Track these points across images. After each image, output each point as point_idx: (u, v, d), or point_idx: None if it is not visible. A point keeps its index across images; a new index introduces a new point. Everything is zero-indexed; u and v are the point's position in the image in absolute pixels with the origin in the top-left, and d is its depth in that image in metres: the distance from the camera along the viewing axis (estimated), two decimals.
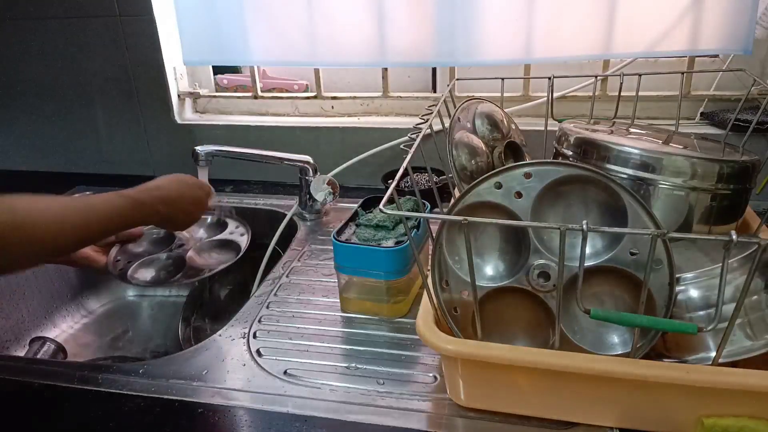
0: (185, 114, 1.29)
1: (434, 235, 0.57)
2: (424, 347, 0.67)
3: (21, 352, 0.94)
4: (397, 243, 0.72)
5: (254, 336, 0.72)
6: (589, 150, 0.66)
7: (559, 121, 0.79)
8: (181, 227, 0.84)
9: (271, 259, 0.96)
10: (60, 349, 0.92)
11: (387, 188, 0.52)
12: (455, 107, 0.79)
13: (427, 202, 0.81)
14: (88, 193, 1.23)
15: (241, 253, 0.92)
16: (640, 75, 0.84)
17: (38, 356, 0.89)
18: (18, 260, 0.60)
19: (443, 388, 0.61)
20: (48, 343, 0.92)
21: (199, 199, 0.82)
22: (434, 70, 1.30)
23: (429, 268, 0.58)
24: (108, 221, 0.68)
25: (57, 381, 0.65)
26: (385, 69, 1.18)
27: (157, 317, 1.12)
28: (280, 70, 1.48)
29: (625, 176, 0.62)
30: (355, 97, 1.24)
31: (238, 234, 0.97)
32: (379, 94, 1.21)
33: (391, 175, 1.09)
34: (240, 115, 1.30)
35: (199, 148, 0.98)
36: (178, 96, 1.26)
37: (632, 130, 0.77)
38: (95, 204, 0.67)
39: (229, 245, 0.95)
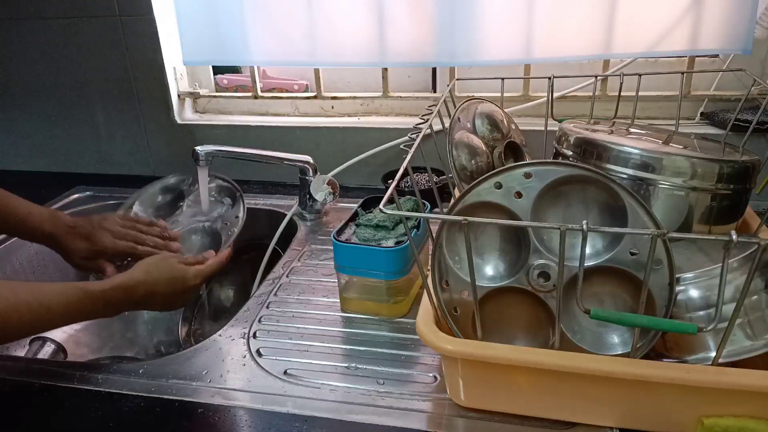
0: (185, 114, 1.29)
1: (434, 235, 0.57)
2: (424, 347, 0.67)
3: (21, 352, 0.94)
4: (397, 243, 0.72)
5: (254, 336, 0.72)
6: (589, 150, 0.66)
7: (559, 121, 0.79)
8: (164, 310, 0.78)
9: (271, 259, 0.96)
10: (60, 349, 0.92)
11: (387, 188, 0.52)
12: (455, 107, 0.79)
13: (427, 202, 0.81)
14: (88, 193, 1.23)
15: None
16: (640, 75, 0.84)
17: (38, 356, 0.89)
18: None
19: (443, 388, 0.61)
20: (48, 343, 0.92)
21: (175, 294, 0.76)
22: (434, 70, 1.30)
23: (429, 268, 0.58)
24: (61, 317, 0.63)
25: (57, 381, 0.65)
26: (385, 69, 1.18)
27: (157, 317, 1.12)
28: (280, 70, 1.48)
29: (625, 176, 0.62)
30: (355, 97, 1.24)
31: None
32: (379, 94, 1.21)
33: (391, 175, 1.09)
34: (240, 115, 1.30)
35: (199, 148, 0.98)
36: (178, 96, 1.27)
37: (632, 130, 0.77)
38: (49, 298, 0.62)
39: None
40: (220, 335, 0.73)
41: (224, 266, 0.83)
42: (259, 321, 0.75)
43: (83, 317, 0.66)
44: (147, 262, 0.75)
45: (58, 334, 1.01)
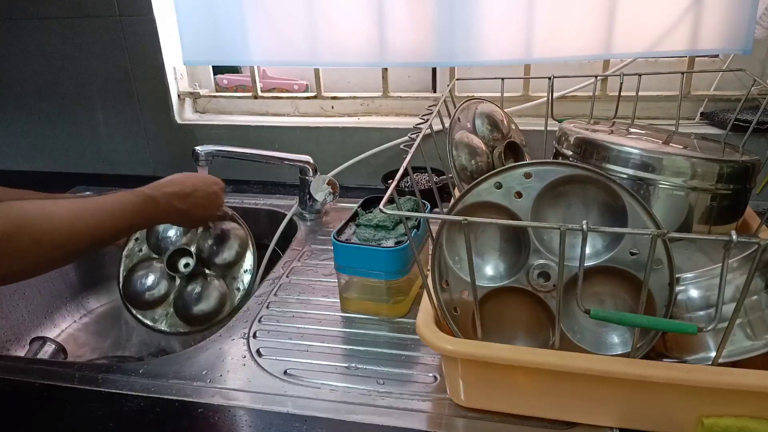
0: (185, 114, 1.29)
1: (434, 235, 0.57)
2: (424, 347, 0.67)
3: (21, 352, 0.94)
4: (397, 243, 0.72)
5: (254, 336, 0.72)
6: (589, 150, 0.66)
7: (559, 121, 0.79)
8: (197, 223, 0.83)
9: (270, 259, 0.96)
10: (60, 349, 0.92)
11: (387, 188, 0.52)
12: (455, 107, 0.79)
13: (427, 202, 0.81)
14: (88, 193, 1.23)
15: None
16: (640, 75, 0.84)
17: (38, 356, 0.89)
18: (30, 266, 0.58)
19: (443, 388, 0.61)
20: (48, 343, 0.92)
21: (214, 194, 0.82)
22: (434, 70, 1.30)
23: (429, 268, 0.58)
24: (121, 220, 0.66)
25: (57, 381, 0.65)
26: (385, 69, 1.18)
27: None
28: (280, 70, 1.48)
29: (625, 176, 0.62)
30: (355, 97, 1.24)
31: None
32: (379, 94, 1.21)
33: (391, 175, 1.09)
34: (240, 115, 1.30)
35: (199, 148, 0.98)
36: (178, 96, 1.27)
37: (632, 130, 0.77)
38: (107, 204, 0.65)
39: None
40: (220, 335, 0.73)
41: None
42: (259, 321, 0.75)
43: (140, 218, 0.70)
44: (180, 173, 0.81)
45: (58, 334, 1.01)
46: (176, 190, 0.76)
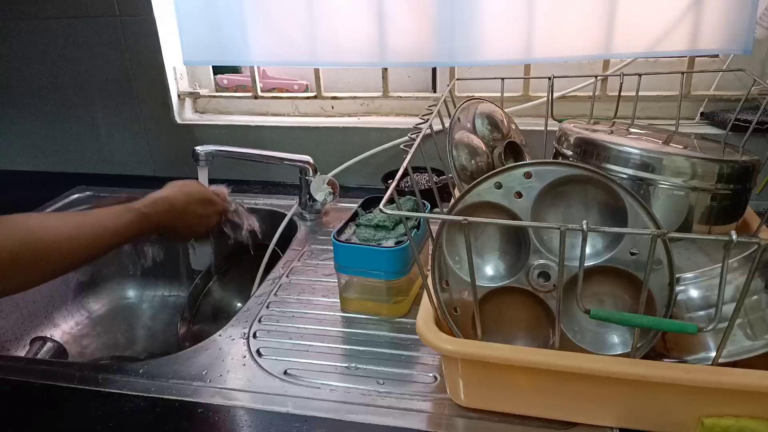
0: (185, 114, 1.29)
1: (434, 235, 0.57)
2: (424, 347, 0.67)
3: (21, 352, 0.94)
4: (397, 243, 0.72)
5: (254, 336, 0.72)
6: (589, 150, 0.66)
7: (559, 121, 0.79)
8: (183, 239, 0.84)
9: (270, 259, 0.96)
10: (61, 349, 0.92)
11: (387, 188, 0.52)
12: (455, 107, 0.79)
13: (427, 202, 0.81)
14: (88, 193, 1.23)
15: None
16: (640, 75, 0.84)
17: (38, 356, 0.89)
18: (31, 279, 0.60)
19: (443, 388, 0.61)
20: (48, 342, 0.92)
21: (204, 215, 0.83)
22: (434, 70, 1.30)
23: (429, 268, 0.58)
24: (118, 237, 0.69)
25: (57, 381, 0.65)
26: (385, 69, 1.18)
27: (157, 317, 1.12)
28: (280, 70, 1.48)
29: (625, 176, 0.62)
30: (355, 97, 1.24)
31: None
32: (379, 94, 1.21)
33: (391, 175, 1.09)
34: (240, 115, 1.30)
35: (199, 148, 0.98)
36: (178, 96, 1.27)
37: (632, 130, 0.77)
38: (105, 220, 0.68)
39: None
40: (220, 335, 0.73)
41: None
42: (259, 321, 0.75)
43: (133, 234, 0.71)
44: (176, 182, 0.82)
45: (58, 334, 1.01)
46: (167, 208, 0.77)
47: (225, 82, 1.47)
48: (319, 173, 1.05)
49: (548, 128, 0.87)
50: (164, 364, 0.68)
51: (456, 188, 0.76)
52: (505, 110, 0.86)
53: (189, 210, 0.80)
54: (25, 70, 1.28)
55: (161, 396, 0.62)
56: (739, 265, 0.52)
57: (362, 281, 0.75)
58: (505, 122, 0.83)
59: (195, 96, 1.29)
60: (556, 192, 0.55)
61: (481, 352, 0.52)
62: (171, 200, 0.78)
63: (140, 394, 0.63)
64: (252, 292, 0.85)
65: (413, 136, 0.61)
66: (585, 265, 0.48)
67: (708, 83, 1.09)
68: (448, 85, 0.90)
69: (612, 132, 0.73)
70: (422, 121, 0.66)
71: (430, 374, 0.64)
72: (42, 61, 1.26)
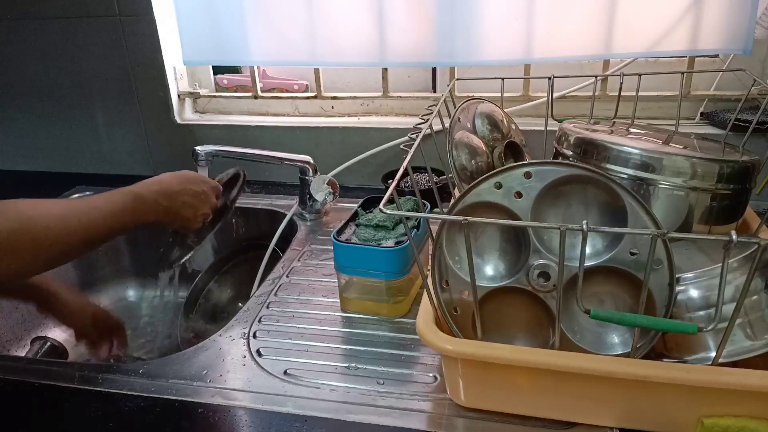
0: (185, 114, 1.29)
1: (434, 235, 0.57)
2: (424, 347, 0.67)
3: (21, 352, 0.94)
4: (397, 243, 0.72)
5: (254, 336, 0.72)
6: (589, 150, 0.66)
7: (559, 121, 0.79)
8: (188, 223, 0.82)
9: (270, 259, 0.96)
10: (61, 348, 0.92)
11: (387, 188, 0.52)
12: (455, 107, 0.79)
13: (427, 202, 0.81)
14: (88, 193, 1.23)
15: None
16: (640, 75, 0.84)
17: (39, 356, 0.89)
18: (28, 265, 0.59)
19: (443, 388, 0.61)
20: (49, 342, 0.92)
21: (203, 193, 0.82)
22: (434, 70, 1.30)
23: (429, 268, 0.58)
24: (112, 218, 0.67)
25: (57, 381, 0.65)
26: (385, 69, 1.18)
27: (157, 317, 1.12)
28: (280, 70, 1.48)
29: (625, 176, 0.62)
30: (355, 97, 1.24)
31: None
32: (379, 94, 1.21)
33: (391, 175, 1.09)
34: (240, 115, 1.30)
35: (199, 148, 0.98)
36: (178, 96, 1.26)
37: (632, 130, 0.77)
38: (97, 202, 0.67)
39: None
40: (220, 335, 0.73)
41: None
42: (259, 321, 0.75)
43: (128, 215, 0.70)
44: (172, 172, 0.81)
45: (59, 334, 1.01)
46: (163, 189, 0.76)
47: (225, 82, 1.47)
48: (319, 173, 1.05)
49: (548, 128, 0.87)
50: (164, 364, 0.68)
51: (456, 188, 0.76)
52: (505, 110, 0.86)
53: (186, 190, 0.79)
54: (25, 70, 1.28)
55: (161, 396, 0.62)
56: (739, 265, 0.52)
57: (362, 281, 0.75)
58: (505, 122, 0.83)
59: (195, 96, 1.29)
60: (556, 192, 0.55)
61: (481, 352, 0.52)
62: (164, 182, 0.77)
63: (140, 394, 0.63)
64: (252, 292, 0.85)
65: (413, 136, 0.61)
66: (585, 265, 0.48)
67: (708, 83, 1.09)
68: (448, 85, 0.90)
69: (612, 132, 0.73)
70: (422, 121, 0.66)
71: (430, 374, 0.64)
72: (42, 61, 1.26)
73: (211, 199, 0.84)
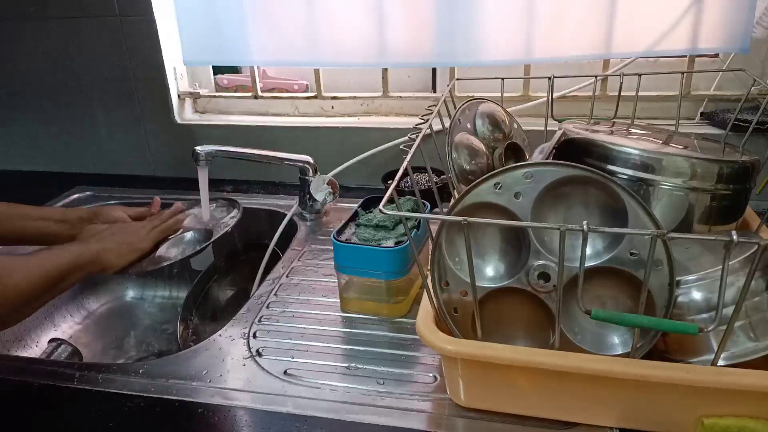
0: (185, 114, 1.29)
1: (434, 235, 0.57)
2: (424, 347, 0.67)
3: (21, 352, 0.94)
4: (397, 243, 0.72)
5: (254, 336, 0.72)
6: (589, 150, 0.66)
7: (559, 121, 0.79)
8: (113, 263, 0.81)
9: (271, 259, 0.96)
10: (75, 351, 0.92)
11: (387, 188, 0.52)
12: (455, 107, 0.79)
13: (427, 202, 0.81)
14: (88, 193, 1.23)
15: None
16: (640, 75, 0.84)
17: (53, 357, 0.89)
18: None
19: (443, 388, 0.61)
20: (64, 345, 0.92)
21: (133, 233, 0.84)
22: (434, 70, 1.30)
23: (429, 268, 0.58)
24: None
25: (57, 381, 0.65)
26: (385, 69, 1.18)
27: (157, 317, 1.12)
28: (280, 70, 1.48)
29: (625, 177, 0.62)
30: (355, 97, 1.24)
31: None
32: (379, 94, 1.21)
33: (391, 175, 1.09)
34: (240, 115, 1.30)
35: (199, 148, 0.97)
36: (178, 96, 1.26)
37: (632, 130, 0.77)
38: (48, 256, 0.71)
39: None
40: (220, 335, 0.73)
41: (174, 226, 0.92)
42: (259, 321, 0.75)
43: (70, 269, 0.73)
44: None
45: (59, 334, 1.01)
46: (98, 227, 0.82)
47: (225, 82, 1.47)
48: (319, 173, 1.05)
49: (548, 128, 0.87)
50: (164, 364, 0.68)
51: (455, 190, 0.76)
52: (507, 109, 0.86)
53: (114, 231, 0.83)
54: (25, 70, 1.28)
55: (161, 396, 0.62)
56: (741, 266, 0.52)
57: (362, 281, 0.75)
58: (507, 122, 0.83)
59: (195, 96, 1.29)
60: (556, 193, 0.55)
61: (481, 352, 0.52)
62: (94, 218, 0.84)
63: (140, 394, 0.63)
64: (252, 292, 0.85)
65: (413, 136, 0.61)
66: (585, 265, 0.48)
67: (708, 83, 1.09)
68: (448, 85, 0.90)
69: (612, 132, 0.73)
70: (422, 121, 0.66)
71: (430, 374, 0.64)
72: (42, 61, 1.26)
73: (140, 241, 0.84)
